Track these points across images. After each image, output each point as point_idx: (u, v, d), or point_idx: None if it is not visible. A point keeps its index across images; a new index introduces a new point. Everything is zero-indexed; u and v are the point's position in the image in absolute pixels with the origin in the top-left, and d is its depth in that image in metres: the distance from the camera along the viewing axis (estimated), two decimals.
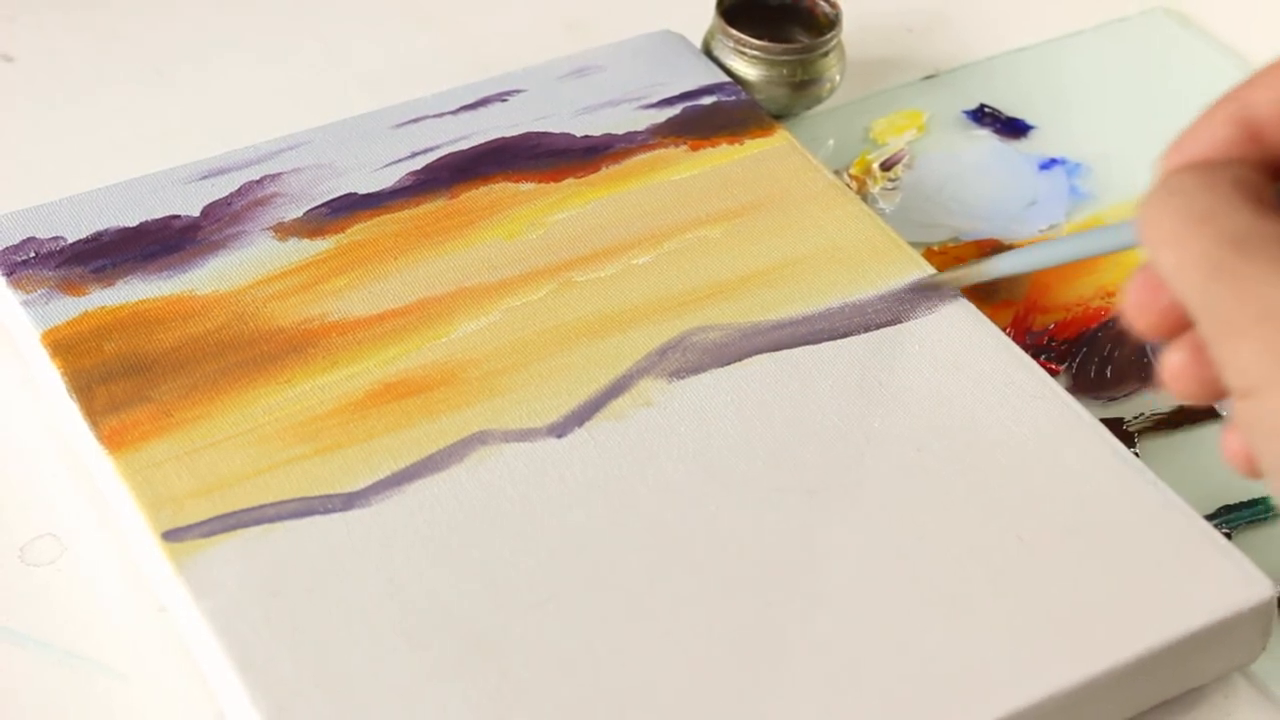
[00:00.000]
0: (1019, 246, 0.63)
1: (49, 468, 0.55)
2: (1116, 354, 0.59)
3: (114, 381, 0.53)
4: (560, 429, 0.52)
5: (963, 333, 0.55)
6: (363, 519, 0.50)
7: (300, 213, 0.59)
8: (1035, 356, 0.57)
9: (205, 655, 0.48)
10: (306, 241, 0.58)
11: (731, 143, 0.62)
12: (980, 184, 0.66)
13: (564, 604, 0.48)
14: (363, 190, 0.59)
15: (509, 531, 0.50)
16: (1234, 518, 0.54)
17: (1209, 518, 0.53)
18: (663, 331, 0.55)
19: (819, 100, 0.67)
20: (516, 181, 0.60)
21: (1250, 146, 0.41)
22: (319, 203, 0.59)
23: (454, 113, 0.62)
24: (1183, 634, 0.48)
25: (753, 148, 0.62)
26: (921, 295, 0.56)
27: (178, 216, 0.58)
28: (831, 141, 0.67)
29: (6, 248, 0.57)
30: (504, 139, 0.62)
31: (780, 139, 0.62)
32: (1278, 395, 0.37)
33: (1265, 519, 0.54)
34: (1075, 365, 0.59)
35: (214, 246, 0.57)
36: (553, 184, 0.60)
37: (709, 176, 0.61)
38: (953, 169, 0.66)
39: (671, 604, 0.48)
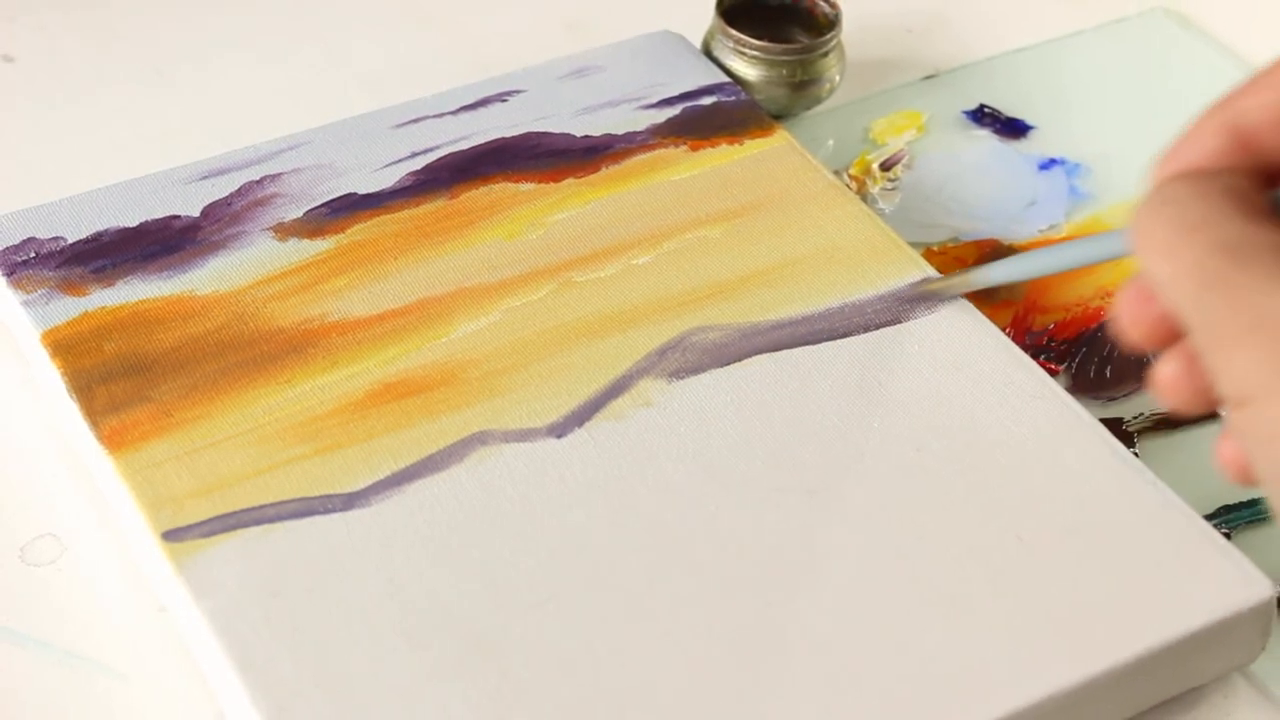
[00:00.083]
0: (1018, 247, 0.63)
1: (49, 468, 0.55)
2: (1116, 354, 0.59)
3: (114, 381, 0.53)
4: (560, 429, 0.52)
5: (962, 333, 0.55)
6: (363, 519, 0.50)
7: (300, 213, 0.59)
8: (1035, 356, 0.57)
9: (205, 655, 0.48)
10: (306, 242, 0.58)
11: (731, 143, 0.62)
12: (980, 184, 0.66)
13: (564, 604, 0.48)
14: (363, 190, 0.60)
15: (509, 531, 0.50)
16: (1233, 518, 0.54)
17: (1208, 518, 0.53)
18: (662, 332, 0.55)
19: (819, 100, 0.67)
20: (516, 181, 0.60)
21: (1242, 154, 0.41)
22: (319, 203, 0.59)
23: (454, 113, 0.62)
24: (1182, 634, 0.48)
25: (752, 148, 0.62)
26: (916, 300, 0.56)
27: (178, 217, 0.58)
28: (831, 142, 0.67)
29: (7, 248, 0.57)
30: (504, 139, 0.62)
31: (780, 139, 0.62)
32: (1273, 403, 0.37)
33: (1264, 519, 0.54)
34: (1075, 365, 0.59)
35: (214, 247, 0.57)
36: (553, 184, 0.60)
37: (709, 177, 0.61)
38: (952, 169, 0.66)
39: (671, 604, 0.48)
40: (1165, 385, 0.42)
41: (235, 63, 0.70)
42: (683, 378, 0.54)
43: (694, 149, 0.62)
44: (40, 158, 0.66)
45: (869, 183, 0.65)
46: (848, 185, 0.64)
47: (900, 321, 0.55)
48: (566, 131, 0.62)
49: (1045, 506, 0.51)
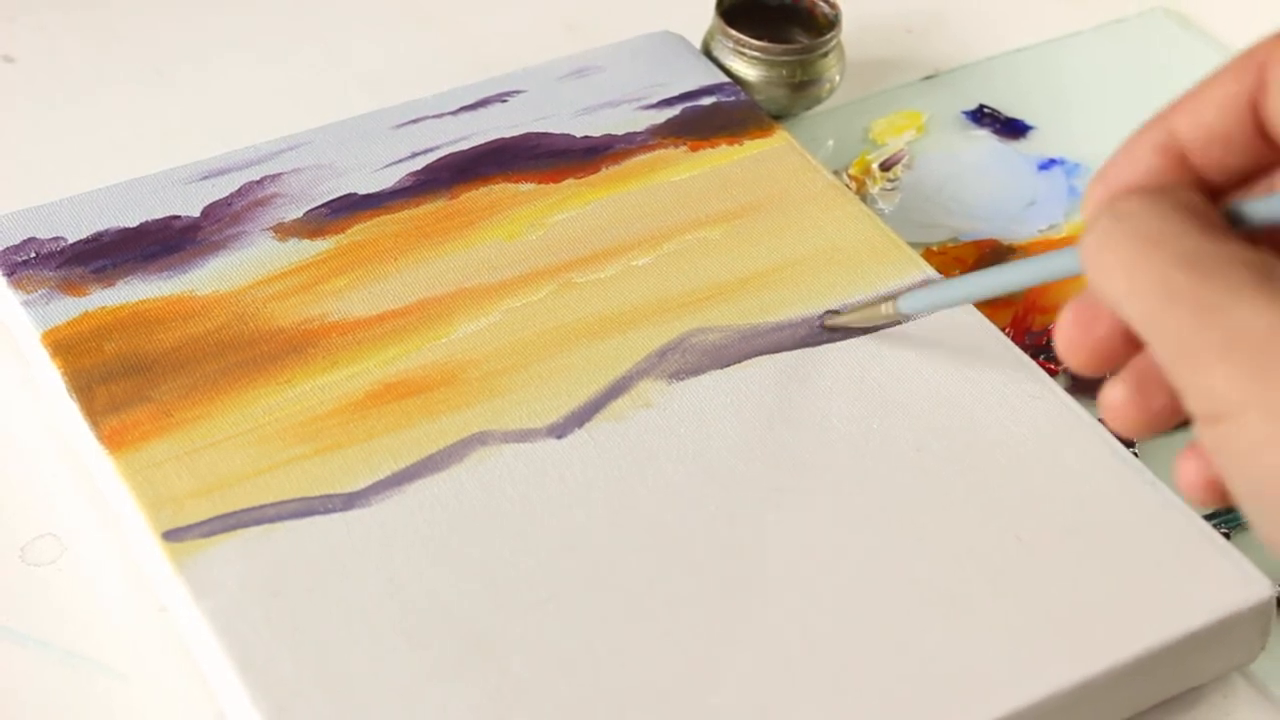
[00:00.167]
0: (1017, 248, 0.63)
1: (49, 468, 0.55)
2: None
3: (114, 381, 0.53)
4: (560, 430, 0.52)
5: (962, 333, 0.55)
6: (363, 519, 0.50)
7: (300, 213, 0.59)
8: (1035, 356, 0.57)
9: (205, 655, 0.48)
10: (306, 242, 0.58)
11: (731, 143, 0.62)
12: (979, 184, 0.66)
13: (564, 604, 0.48)
14: (363, 191, 0.60)
15: (509, 531, 0.50)
16: (1233, 518, 0.54)
17: (1208, 518, 0.53)
18: (662, 333, 0.55)
19: (818, 101, 0.67)
20: (516, 182, 0.60)
21: (1177, 173, 0.40)
22: (319, 203, 0.59)
23: (454, 113, 0.62)
24: (1182, 634, 0.48)
25: (752, 148, 0.62)
26: (823, 335, 0.55)
27: (178, 217, 0.58)
28: (831, 142, 0.67)
29: (7, 248, 0.57)
30: (504, 139, 0.62)
31: (780, 139, 0.62)
32: (1251, 418, 0.36)
33: None
34: None
35: (214, 247, 0.57)
36: (553, 185, 0.60)
37: (708, 177, 0.61)
38: (952, 169, 0.66)
39: (671, 604, 0.48)
40: (1114, 410, 0.41)
41: (235, 63, 0.70)
42: (682, 379, 0.54)
43: (694, 149, 0.62)
44: (40, 158, 0.66)
45: (869, 183, 0.65)
46: (847, 185, 0.64)
47: (900, 322, 0.55)
48: (566, 132, 0.62)
49: (1045, 506, 0.51)
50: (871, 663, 0.47)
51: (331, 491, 0.50)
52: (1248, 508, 0.38)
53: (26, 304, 0.55)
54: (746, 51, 0.65)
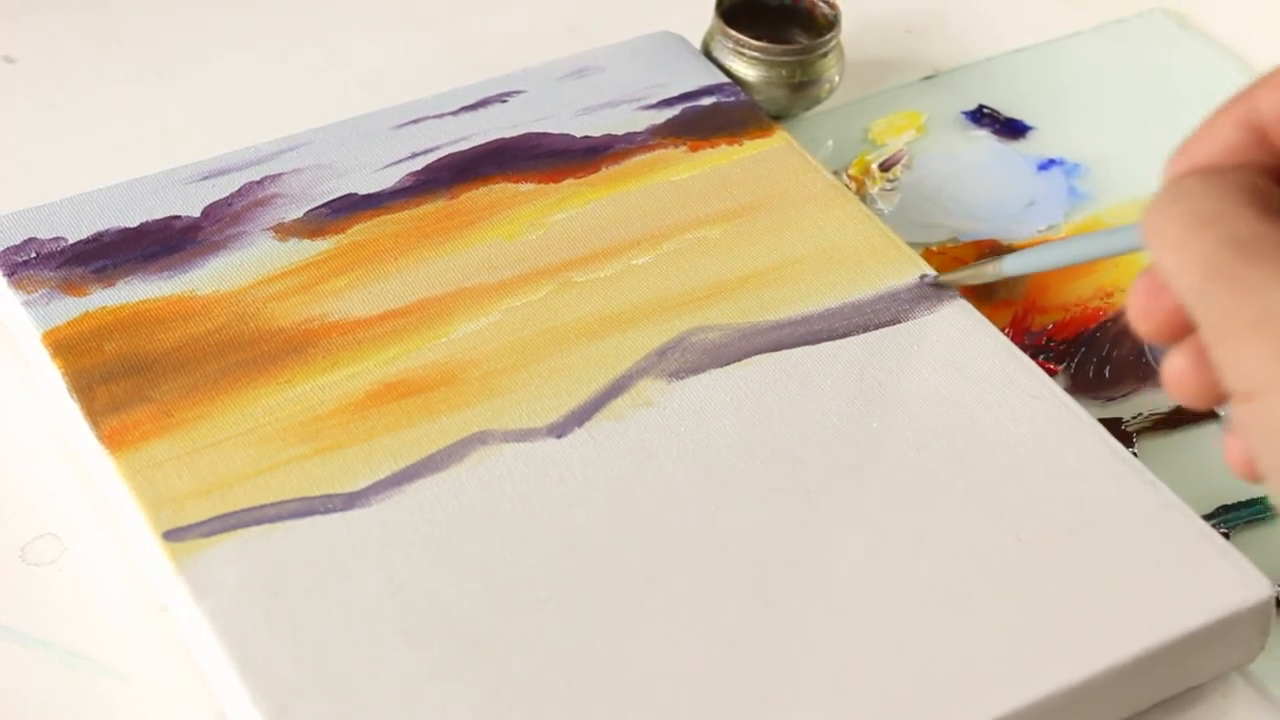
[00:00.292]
0: (1017, 248, 0.63)
1: (49, 468, 0.55)
2: (1115, 354, 0.59)
3: (114, 381, 0.53)
4: (560, 429, 0.52)
5: (962, 333, 0.55)
6: (363, 519, 0.50)
7: (300, 213, 0.59)
8: (1034, 356, 0.57)
9: (206, 655, 0.48)
10: (307, 242, 0.58)
11: (731, 143, 0.62)
12: (979, 184, 0.66)
13: (564, 604, 0.48)
14: (363, 191, 0.60)
15: (509, 531, 0.50)
16: (1232, 517, 0.54)
17: (1207, 517, 0.53)
18: (662, 332, 0.55)
19: (818, 101, 0.67)
20: (516, 182, 0.60)
21: (1257, 150, 0.41)
22: (319, 203, 0.59)
23: (454, 113, 0.62)
24: (1181, 634, 0.48)
25: (752, 148, 0.62)
26: (925, 294, 0.56)
27: (178, 217, 0.58)
28: (830, 142, 0.67)
29: (7, 248, 0.57)
30: (504, 139, 0.62)
31: (779, 140, 0.62)
32: (1278, 398, 0.37)
33: (1263, 519, 0.54)
34: (1074, 365, 0.59)
35: (214, 247, 0.57)
36: (552, 184, 0.60)
37: (708, 177, 0.61)
38: (951, 169, 0.66)
39: (671, 604, 0.48)
40: (1173, 379, 0.42)
41: (235, 63, 0.70)
42: (682, 378, 0.54)
43: (694, 149, 0.62)
44: (40, 158, 0.66)
45: (868, 183, 0.65)
46: (847, 185, 0.64)
47: (900, 321, 0.56)
48: (566, 132, 0.62)
49: (1045, 506, 0.51)
50: (871, 662, 0.47)
51: (331, 491, 0.50)
52: (1274, 486, 0.38)
53: (27, 304, 0.55)
54: (746, 52, 0.65)
